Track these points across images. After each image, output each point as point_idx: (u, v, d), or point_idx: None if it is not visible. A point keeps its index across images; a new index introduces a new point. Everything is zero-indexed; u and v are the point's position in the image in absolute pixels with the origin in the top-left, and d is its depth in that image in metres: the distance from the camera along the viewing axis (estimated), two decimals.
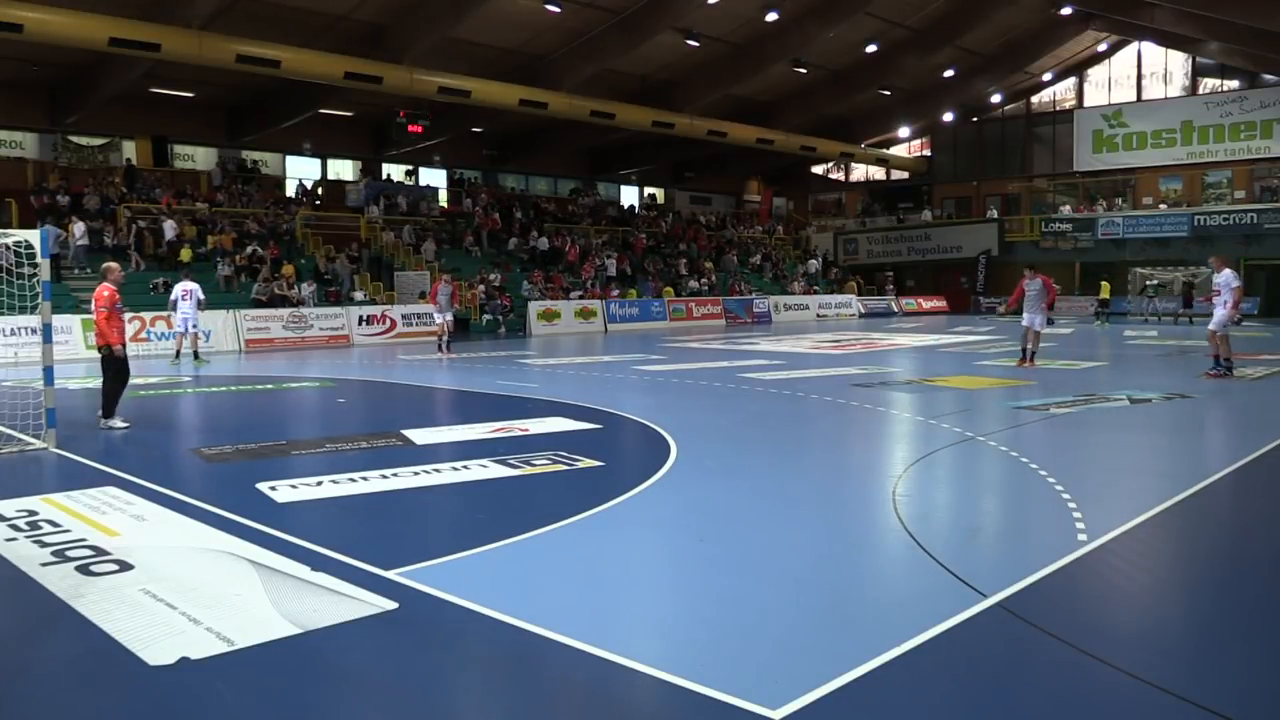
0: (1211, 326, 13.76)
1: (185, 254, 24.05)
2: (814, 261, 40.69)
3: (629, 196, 42.89)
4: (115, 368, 9.67)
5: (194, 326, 17.85)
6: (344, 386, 14.07)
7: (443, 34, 24.74)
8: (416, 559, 4.98)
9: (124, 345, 9.78)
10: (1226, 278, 13.68)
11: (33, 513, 6.08)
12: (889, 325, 31.19)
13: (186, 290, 17.62)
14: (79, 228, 23.00)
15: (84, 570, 4.87)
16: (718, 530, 5.70)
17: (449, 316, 20.11)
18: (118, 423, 9.59)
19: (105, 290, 9.65)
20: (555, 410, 10.58)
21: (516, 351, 20.35)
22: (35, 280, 9.26)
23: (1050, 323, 15.50)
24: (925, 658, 3.76)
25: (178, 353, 18.08)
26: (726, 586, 4.64)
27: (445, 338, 20.02)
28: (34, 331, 15.07)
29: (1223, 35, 30.96)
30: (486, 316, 26.95)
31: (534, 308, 27.34)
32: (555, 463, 7.60)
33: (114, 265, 10.35)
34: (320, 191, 32.23)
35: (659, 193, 44.14)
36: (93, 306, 9.87)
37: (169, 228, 24.46)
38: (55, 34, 20.05)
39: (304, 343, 22.35)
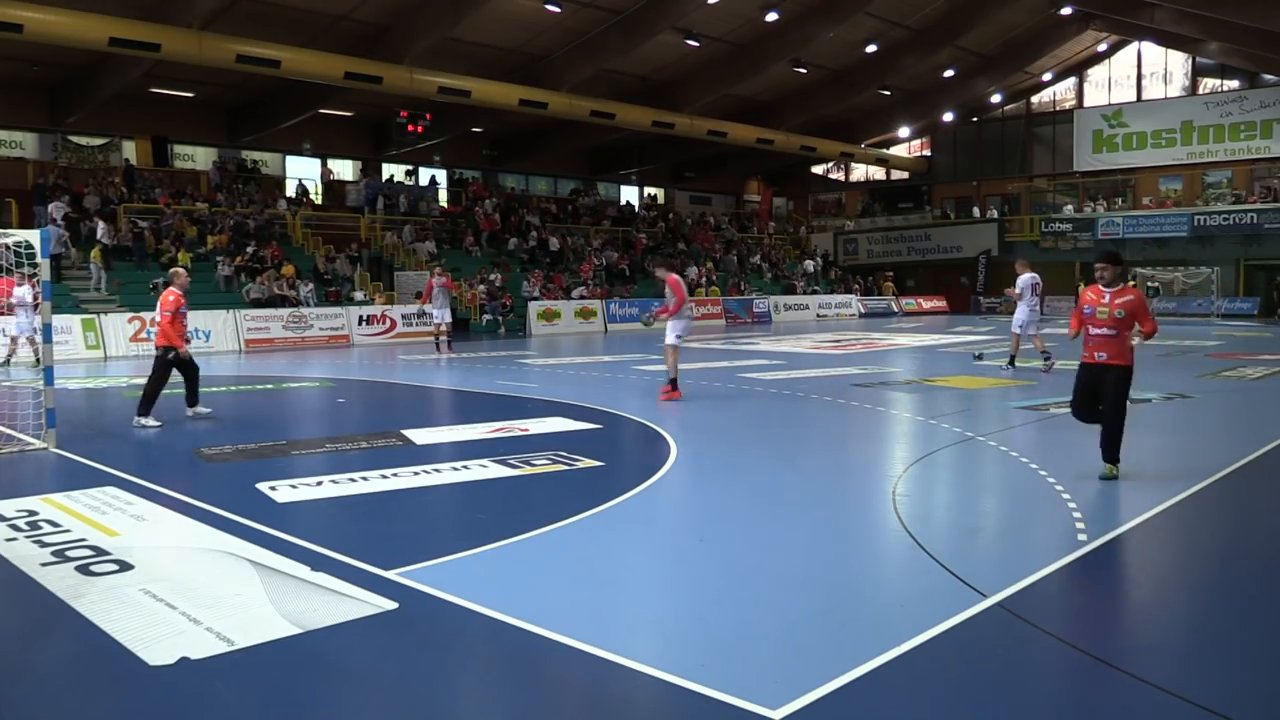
0: (1014, 328, 14.89)
1: (182, 256, 23.99)
2: (810, 262, 40.69)
3: (629, 196, 42.90)
4: (168, 369, 10.03)
5: (34, 331, 17.37)
6: (344, 386, 14.07)
7: (443, 34, 24.73)
8: (416, 559, 4.98)
9: (185, 347, 10.21)
10: (1025, 280, 14.65)
11: (33, 513, 6.09)
12: (889, 325, 31.19)
13: (24, 300, 16.93)
14: (58, 210, 23.06)
15: (84, 570, 4.87)
16: (718, 530, 5.70)
17: (447, 315, 20.03)
18: (151, 421, 9.79)
19: (171, 295, 10.03)
20: (555, 410, 10.58)
21: (516, 351, 20.34)
22: (35, 280, 9.26)
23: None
24: (925, 658, 3.76)
25: (8, 359, 17.14)
26: (726, 586, 4.64)
27: (444, 337, 19.96)
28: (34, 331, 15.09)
29: (1223, 35, 30.94)
30: (487, 316, 26.95)
31: (534, 308, 27.32)
32: (555, 463, 7.60)
33: (181, 270, 10.78)
34: (322, 188, 32.17)
35: (659, 193, 44.13)
36: (158, 310, 10.21)
37: (100, 227, 23.62)
38: (55, 34, 20.03)
39: (304, 343, 22.35)
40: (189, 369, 10.28)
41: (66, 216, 23.43)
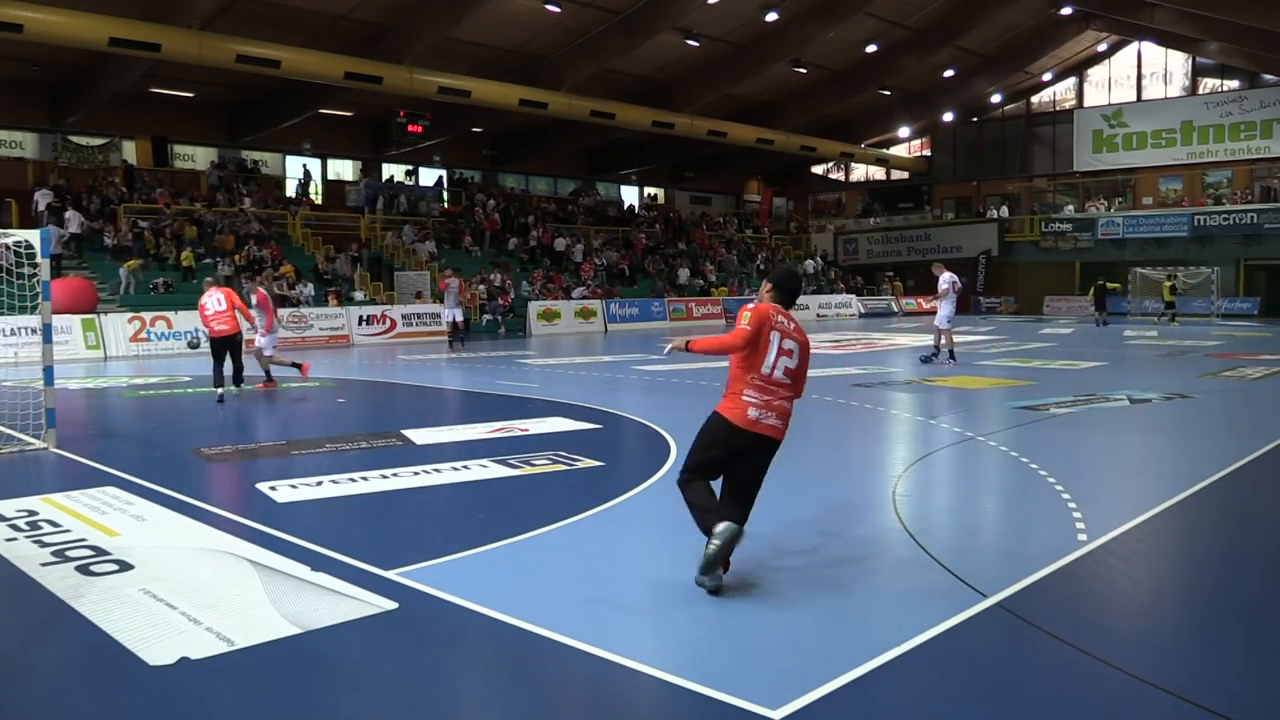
0: (936, 323, 16.30)
1: (187, 257, 23.98)
2: (811, 262, 40.68)
3: (629, 196, 42.89)
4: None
5: None
6: (344, 386, 14.07)
7: (443, 34, 24.73)
8: (416, 559, 4.98)
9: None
10: (946, 280, 16.22)
11: (33, 513, 6.08)
12: (889, 325, 31.18)
13: None
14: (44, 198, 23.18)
15: (84, 570, 4.87)
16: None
17: (456, 315, 20.21)
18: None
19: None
20: (555, 410, 10.58)
21: (516, 351, 20.33)
22: (35, 280, 9.25)
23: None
24: (925, 658, 3.76)
25: None
26: (727, 586, 4.64)
27: (448, 337, 20.10)
28: (34, 331, 15.07)
29: (1223, 35, 30.94)
30: (486, 316, 26.95)
31: (534, 308, 27.33)
32: (555, 463, 7.60)
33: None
34: (304, 187, 32.02)
35: (659, 193, 44.12)
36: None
37: (72, 220, 23.43)
38: (55, 34, 20.03)
39: (304, 343, 22.33)
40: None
41: (50, 206, 23.33)
